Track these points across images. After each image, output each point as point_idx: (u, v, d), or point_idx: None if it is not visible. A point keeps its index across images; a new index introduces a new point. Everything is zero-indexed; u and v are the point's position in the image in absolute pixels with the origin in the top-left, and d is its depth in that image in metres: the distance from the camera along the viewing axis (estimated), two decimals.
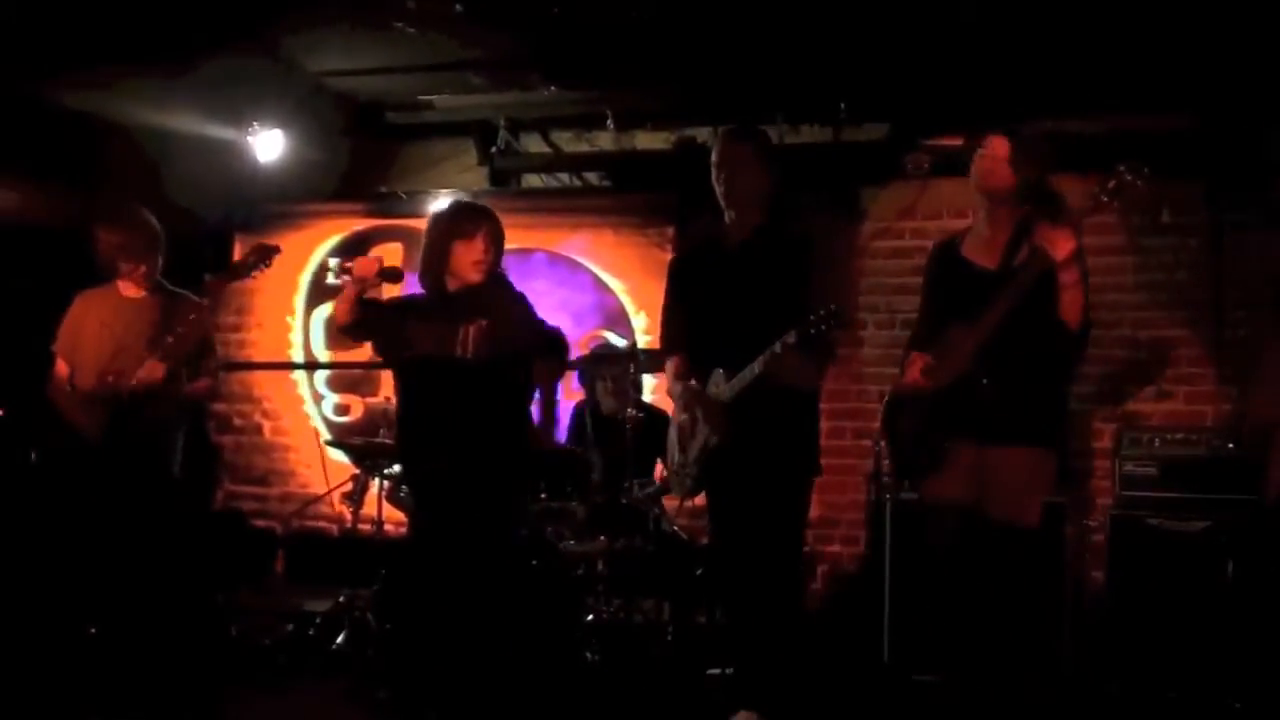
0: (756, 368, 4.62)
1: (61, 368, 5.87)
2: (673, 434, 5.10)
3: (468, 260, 4.99)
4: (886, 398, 5.00)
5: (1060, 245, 4.33)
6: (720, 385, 4.81)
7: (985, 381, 4.49)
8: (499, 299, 5.06)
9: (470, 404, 4.94)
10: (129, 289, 5.88)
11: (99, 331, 5.81)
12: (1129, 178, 4.30)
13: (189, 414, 6.18)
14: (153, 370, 5.59)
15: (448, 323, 4.95)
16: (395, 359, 5.19)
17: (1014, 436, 4.55)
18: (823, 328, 4.41)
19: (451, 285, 5.07)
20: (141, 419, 5.63)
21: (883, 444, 5.42)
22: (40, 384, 5.87)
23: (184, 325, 5.67)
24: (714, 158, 4.95)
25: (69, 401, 5.78)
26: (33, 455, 5.81)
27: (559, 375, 5.61)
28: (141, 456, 5.70)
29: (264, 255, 5.70)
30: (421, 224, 8.29)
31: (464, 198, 6.28)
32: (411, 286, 5.38)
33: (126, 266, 5.81)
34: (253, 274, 5.78)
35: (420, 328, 5.01)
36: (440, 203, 5.26)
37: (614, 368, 6.66)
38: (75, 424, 5.69)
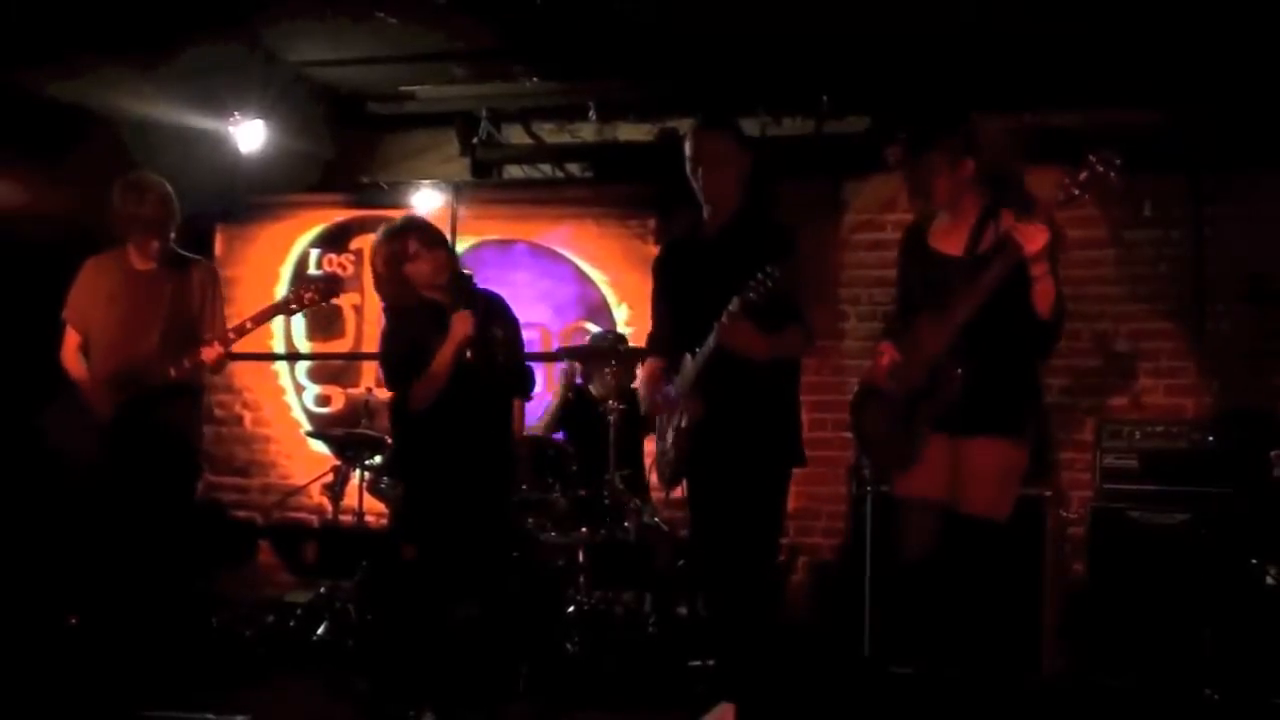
0: (710, 342, 4.61)
1: (71, 337, 5.77)
2: (659, 425, 5.10)
3: (423, 272, 5.13)
4: (855, 392, 4.94)
5: (1033, 239, 4.23)
6: (688, 369, 4.81)
7: (960, 371, 4.43)
8: (494, 310, 5.27)
9: (481, 410, 5.16)
10: (139, 259, 5.76)
11: (108, 306, 5.72)
12: (1100, 169, 4.16)
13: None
14: (216, 353, 5.56)
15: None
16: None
17: (985, 427, 4.48)
18: (762, 290, 4.37)
19: (430, 294, 5.18)
20: (161, 407, 5.58)
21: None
22: (50, 358, 5.80)
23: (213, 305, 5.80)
24: (688, 153, 4.88)
25: (84, 377, 5.70)
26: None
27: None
28: (154, 442, 5.59)
29: (325, 292, 5.68)
30: (403, 214, 8.41)
31: (453, 196, 6.34)
32: None
33: (138, 237, 5.71)
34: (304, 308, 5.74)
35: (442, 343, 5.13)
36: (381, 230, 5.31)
37: (619, 359, 6.62)
38: (89, 402, 5.61)
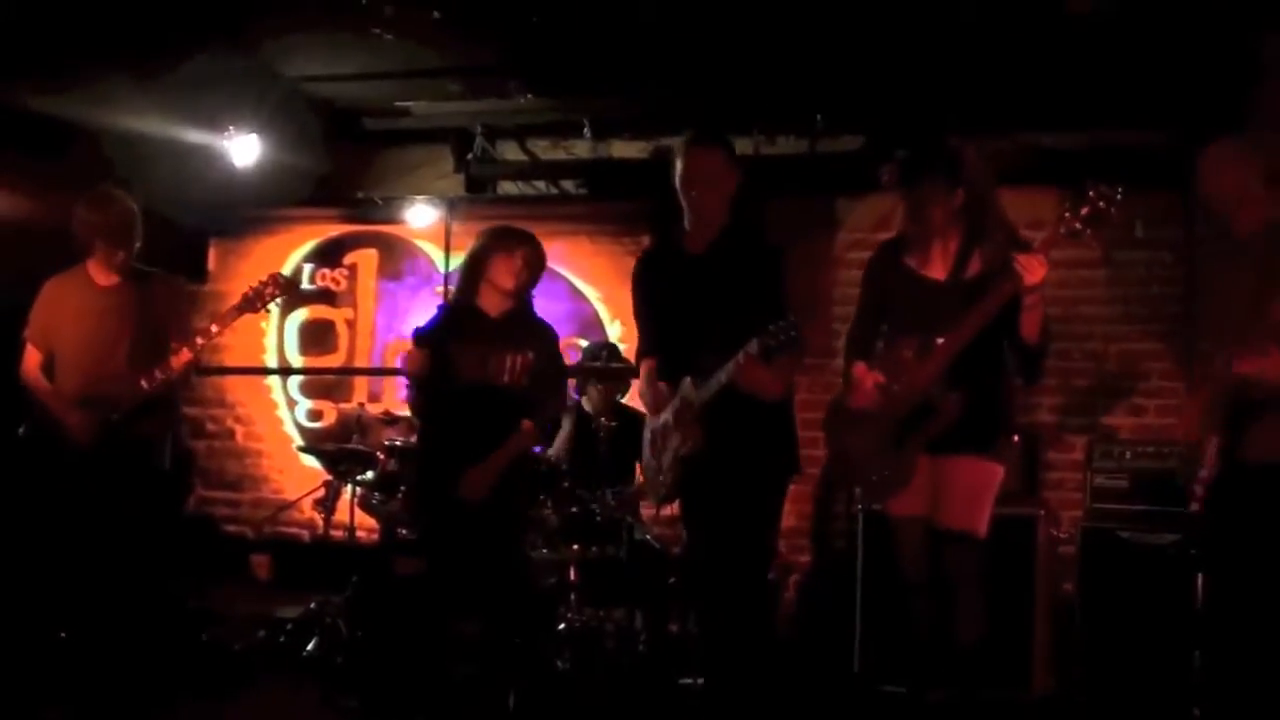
0: (722, 377, 4.58)
1: (32, 355, 5.72)
2: (647, 439, 5.08)
3: (504, 272, 5.29)
4: (831, 413, 4.94)
5: (1034, 272, 4.26)
6: (689, 394, 4.77)
7: (957, 396, 4.46)
8: (537, 334, 5.39)
9: (501, 427, 5.21)
10: (101, 275, 5.70)
11: (73, 323, 5.66)
12: (1102, 206, 4.20)
13: (178, 404, 6.12)
14: (184, 359, 5.51)
15: (491, 348, 5.22)
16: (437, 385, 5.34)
17: (963, 446, 4.52)
18: (782, 339, 4.38)
19: (484, 297, 5.33)
20: (133, 419, 5.54)
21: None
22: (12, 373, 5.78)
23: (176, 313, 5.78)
24: (681, 170, 4.86)
25: (49, 395, 5.65)
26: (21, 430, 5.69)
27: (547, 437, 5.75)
28: (129, 458, 5.58)
29: (285, 287, 5.69)
30: (397, 230, 8.50)
31: (448, 212, 6.36)
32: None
33: (102, 251, 5.65)
34: (267, 305, 5.69)
35: (462, 351, 5.26)
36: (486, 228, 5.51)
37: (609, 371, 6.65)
38: (59, 422, 5.56)
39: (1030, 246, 4.43)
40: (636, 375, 5.20)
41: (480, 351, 5.20)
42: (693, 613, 5.89)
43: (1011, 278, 4.31)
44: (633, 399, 6.90)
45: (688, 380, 4.77)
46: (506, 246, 5.29)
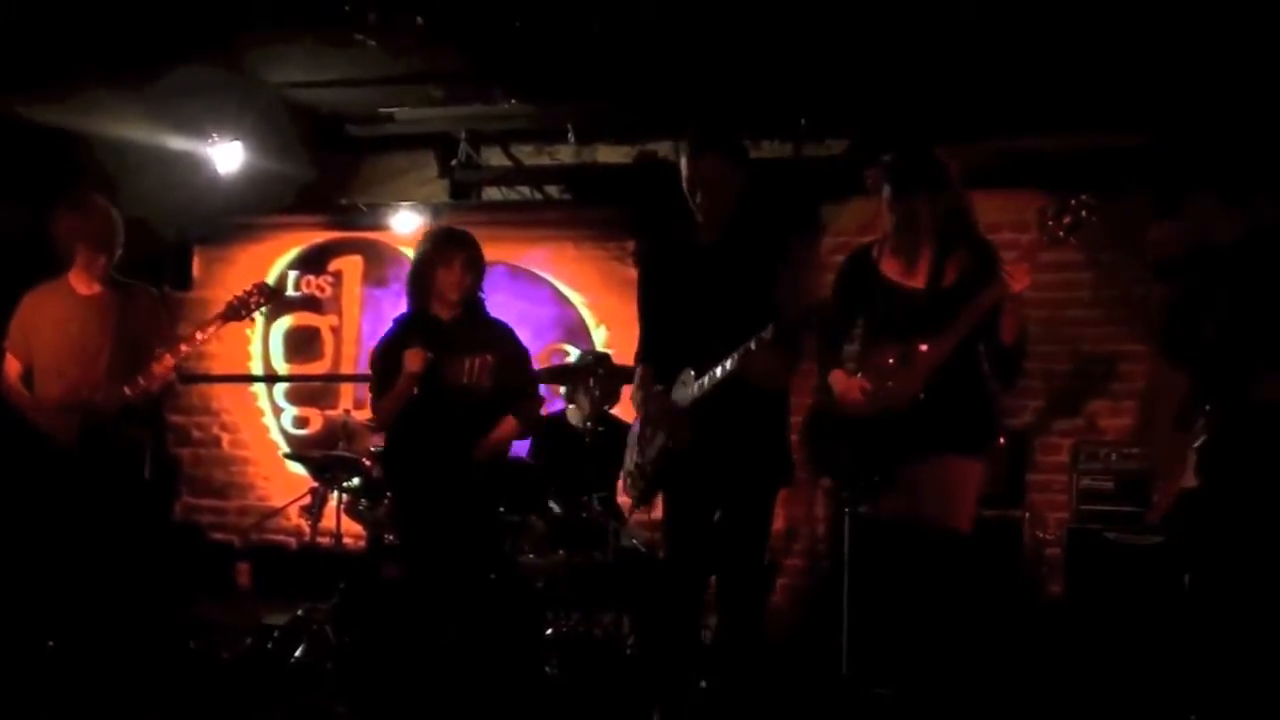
0: (729, 365, 4.56)
1: (12, 364, 5.73)
2: (632, 437, 5.07)
3: (448, 283, 5.35)
4: (812, 419, 4.96)
5: (1021, 280, 4.36)
6: (689, 384, 4.76)
7: (928, 398, 4.51)
8: (494, 334, 5.49)
9: (462, 429, 5.32)
10: (82, 284, 5.72)
11: (55, 332, 5.67)
12: (1084, 214, 4.28)
13: (155, 411, 6.12)
14: (167, 365, 5.54)
15: (452, 353, 5.33)
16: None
17: (947, 445, 4.56)
18: (801, 325, 4.40)
19: (436, 308, 5.39)
20: (118, 425, 5.56)
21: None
22: None
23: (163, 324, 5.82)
24: (687, 173, 4.85)
25: (29, 403, 5.66)
26: None
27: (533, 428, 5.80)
28: (115, 464, 5.61)
29: (269, 296, 5.73)
30: (382, 236, 8.50)
31: (432, 218, 6.48)
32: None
33: (84, 256, 5.67)
34: (252, 315, 5.72)
35: (446, 357, 5.35)
36: (425, 229, 5.52)
37: (598, 380, 6.65)
38: (40, 427, 5.58)
39: (995, 250, 4.56)
40: (628, 382, 5.20)
41: (441, 358, 5.29)
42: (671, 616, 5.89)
43: (998, 285, 4.39)
44: (619, 408, 6.90)
45: (689, 372, 4.75)
46: (444, 258, 5.35)
